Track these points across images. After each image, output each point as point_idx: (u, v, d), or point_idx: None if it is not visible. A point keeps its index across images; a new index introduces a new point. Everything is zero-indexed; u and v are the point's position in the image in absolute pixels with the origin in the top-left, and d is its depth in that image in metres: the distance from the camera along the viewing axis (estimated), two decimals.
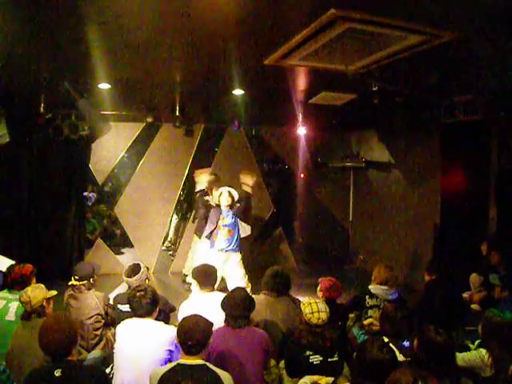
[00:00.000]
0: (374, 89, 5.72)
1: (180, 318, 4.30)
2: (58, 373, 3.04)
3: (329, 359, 3.92)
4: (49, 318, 3.46)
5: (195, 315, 3.47)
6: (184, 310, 4.65)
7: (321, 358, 3.91)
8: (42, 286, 4.34)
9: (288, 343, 4.19)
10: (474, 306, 6.44)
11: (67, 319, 3.43)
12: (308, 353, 3.92)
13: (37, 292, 4.14)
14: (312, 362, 3.89)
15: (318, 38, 4.07)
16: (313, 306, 4.07)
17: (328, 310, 4.11)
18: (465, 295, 6.58)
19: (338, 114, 8.49)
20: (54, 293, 4.45)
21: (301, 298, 5.12)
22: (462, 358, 3.70)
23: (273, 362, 4.18)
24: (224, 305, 4.08)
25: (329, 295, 5.00)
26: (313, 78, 5.87)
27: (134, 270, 5.03)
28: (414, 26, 3.84)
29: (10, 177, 8.16)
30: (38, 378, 3.11)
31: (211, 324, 3.42)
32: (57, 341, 3.15)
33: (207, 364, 3.27)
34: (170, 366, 3.24)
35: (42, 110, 7.20)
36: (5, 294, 4.78)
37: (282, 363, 4.25)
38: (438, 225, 7.88)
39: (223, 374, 3.19)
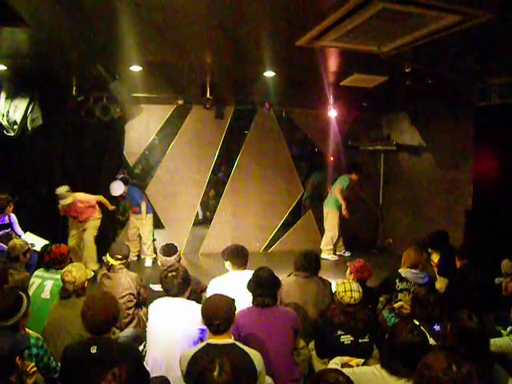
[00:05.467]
0: (407, 70, 5.64)
1: (210, 293, 4.35)
2: (93, 349, 3.12)
3: (359, 340, 3.95)
4: (95, 296, 3.53)
5: (215, 295, 3.54)
6: (214, 286, 4.71)
7: (351, 338, 3.94)
8: (83, 266, 4.45)
9: (319, 322, 4.22)
10: (505, 292, 6.36)
11: (112, 298, 3.50)
12: (339, 332, 3.95)
13: (81, 273, 4.25)
14: (343, 342, 3.92)
15: (352, 18, 4.01)
16: (346, 285, 4.10)
17: (361, 290, 4.13)
18: (496, 281, 6.50)
19: (370, 97, 8.39)
20: (92, 274, 4.57)
21: (330, 280, 5.16)
22: (493, 343, 3.67)
23: (302, 343, 4.21)
24: (250, 286, 4.12)
25: (361, 276, 5.02)
26: (345, 60, 5.79)
27: (172, 249, 5.11)
28: (450, 5, 3.76)
29: (43, 159, 8.32)
30: (74, 353, 3.18)
31: (233, 300, 3.46)
32: (101, 318, 3.23)
33: (237, 343, 3.32)
34: (199, 346, 3.29)
35: (74, 92, 7.29)
36: (41, 272, 4.91)
37: (311, 344, 4.28)
38: (469, 210, 7.77)
39: (253, 353, 3.23)
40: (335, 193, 9.17)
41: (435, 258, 6.53)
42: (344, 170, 9.59)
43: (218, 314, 3.28)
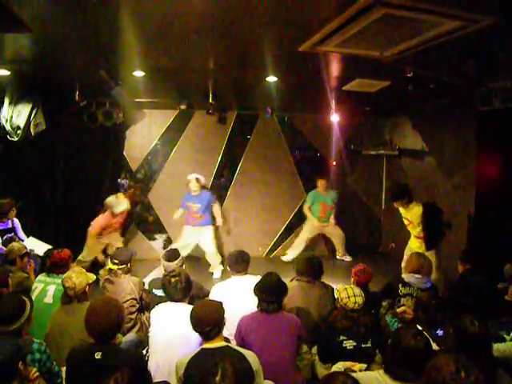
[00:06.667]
0: (409, 75, 5.65)
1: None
2: (98, 355, 3.11)
3: (362, 345, 3.94)
4: (98, 301, 3.51)
5: (201, 302, 3.60)
6: (216, 292, 4.72)
7: (354, 344, 3.93)
8: (84, 270, 4.45)
9: (322, 328, 4.23)
10: (508, 297, 6.34)
11: (116, 305, 3.47)
12: (342, 337, 3.94)
13: (81, 278, 4.25)
14: (345, 347, 3.92)
15: (354, 23, 4.02)
16: (349, 291, 4.12)
17: (363, 294, 4.14)
18: (499, 286, 6.48)
19: (372, 101, 8.40)
20: (94, 278, 4.57)
21: (333, 285, 5.15)
22: (496, 348, 3.66)
23: (305, 348, 4.21)
24: (257, 290, 4.11)
25: (358, 279, 5.03)
26: (347, 65, 5.80)
27: (174, 255, 5.11)
28: (452, 11, 3.76)
29: (46, 164, 8.34)
30: (78, 359, 3.19)
31: (220, 304, 3.49)
32: (105, 324, 3.23)
33: (230, 345, 3.38)
34: (194, 352, 3.30)
35: (77, 98, 7.31)
36: (43, 277, 4.92)
37: (314, 349, 4.28)
38: (472, 214, 7.75)
39: (247, 353, 3.27)
40: (304, 211, 9.43)
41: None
42: (346, 174, 9.61)
43: (205, 323, 3.31)
